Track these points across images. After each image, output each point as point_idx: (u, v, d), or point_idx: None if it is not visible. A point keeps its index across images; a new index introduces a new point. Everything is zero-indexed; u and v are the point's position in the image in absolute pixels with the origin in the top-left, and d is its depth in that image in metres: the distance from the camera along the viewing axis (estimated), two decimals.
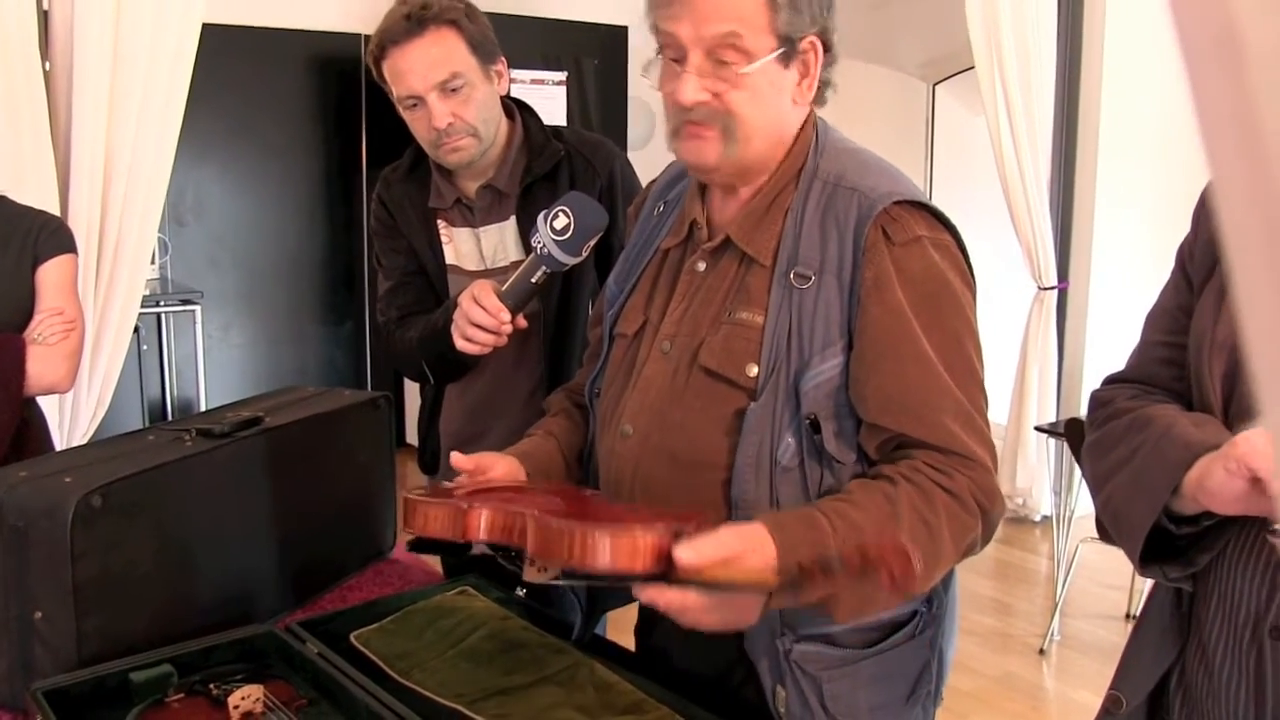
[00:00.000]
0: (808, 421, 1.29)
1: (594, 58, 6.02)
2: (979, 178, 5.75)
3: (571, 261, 1.57)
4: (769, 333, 1.31)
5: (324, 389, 2.17)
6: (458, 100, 1.90)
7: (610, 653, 1.54)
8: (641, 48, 6.31)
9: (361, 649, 1.54)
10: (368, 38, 5.90)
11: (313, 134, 5.88)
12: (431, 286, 2.04)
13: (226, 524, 1.73)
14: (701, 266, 1.41)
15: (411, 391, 4.63)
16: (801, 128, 1.40)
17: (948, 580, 1.45)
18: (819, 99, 1.40)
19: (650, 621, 1.57)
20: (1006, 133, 4.98)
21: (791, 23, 1.29)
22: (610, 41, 6.19)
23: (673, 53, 1.31)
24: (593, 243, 1.58)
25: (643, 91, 6.44)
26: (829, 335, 1.29)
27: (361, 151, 5.98)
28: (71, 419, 3.21)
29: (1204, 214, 1.23)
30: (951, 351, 1.28)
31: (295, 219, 5.90)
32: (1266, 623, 1.05)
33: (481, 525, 1.26)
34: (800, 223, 1.33)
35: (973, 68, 5.36)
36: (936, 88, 6.75)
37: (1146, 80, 5.43)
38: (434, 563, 2.21)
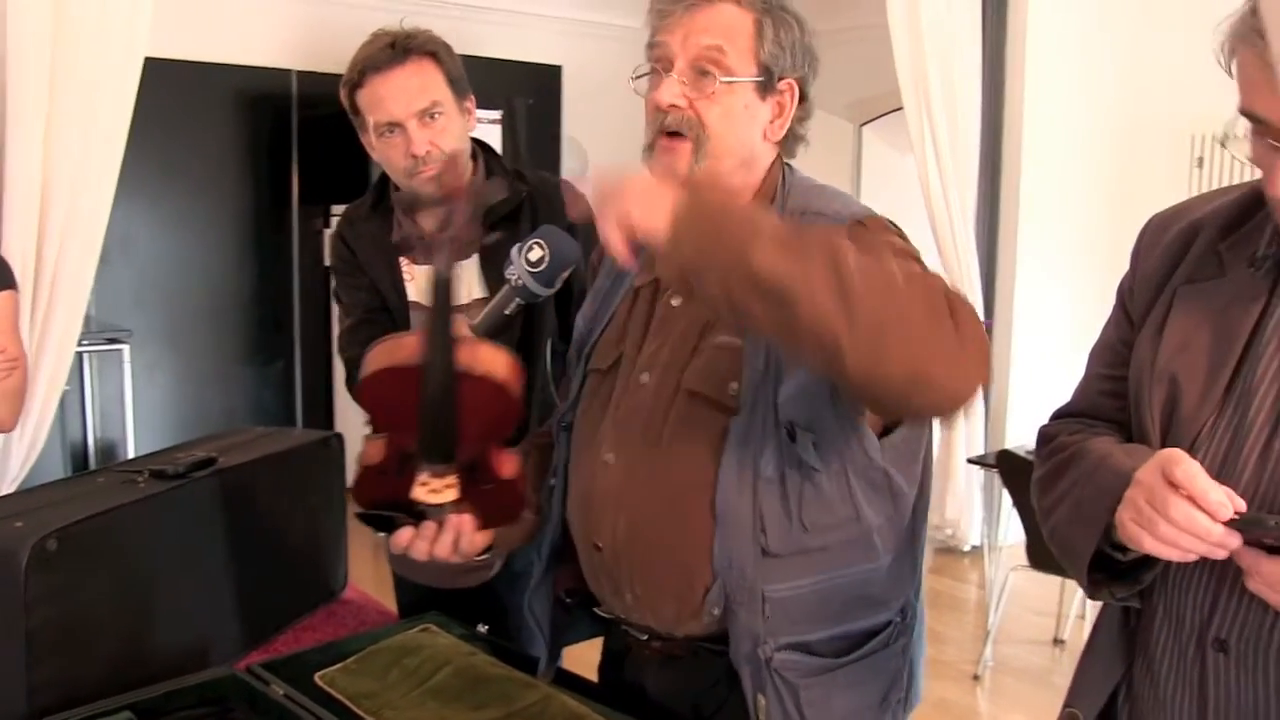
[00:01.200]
0: (785, 431, 1.34)
1: (528, 96, 6.05)
2: (905, 217, 5.83)
3: (545, 293, 1.60)
4: (748, 351, 1.36)
5: (273, 429, 2.16)
6: (436, 129, 1.94)
7: (577, 686, 1.55)
8: (574, 87, 6.41)
9: (327, 689, 1.53)
10: (299, 73, 5.91)
11: (242, 170, 5.83)
12: (394, 323, 2.05)
13: (182, 566, 1.71)
14: (677, 301, 1.46)
15: (351, 435, 4.56)
16: (770, 168, 1.47)
17: (918, 591, 1.50)
18: (790, 151, 1.50)
19: (619, 655, 1.59)
20: (934, 172, 5.12)
21: (774, 55, 1.39)
22: (544, 80, 6.24)
23: (661, 63, 1.41)
24: (565, 275, 1.62)
25: (575, 129, 6.50)
26: None
27: (292, 188, 5.93)
28: (1, 463, 3.13)
29: (1141, 252, 1.29)
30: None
31: (224, 256, 5.82)
32: (1209, 635, 1.10)
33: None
34: None
35: (898, 109, 5.51)
36: (863, 128, 6.91)
37: (1067, 119, 5.62)
38: (388, 601, 2.20)
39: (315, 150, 5.98)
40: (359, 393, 1.43)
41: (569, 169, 6.31)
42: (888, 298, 1.12)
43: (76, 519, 1.52)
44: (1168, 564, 1.13)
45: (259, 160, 5.87)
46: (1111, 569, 1.20)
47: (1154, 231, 1.28)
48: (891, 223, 1.42)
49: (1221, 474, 1.09)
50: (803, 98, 1.45)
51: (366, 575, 2.17)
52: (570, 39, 6.52)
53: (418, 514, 1.45)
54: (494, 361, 1.35)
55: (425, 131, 1.93)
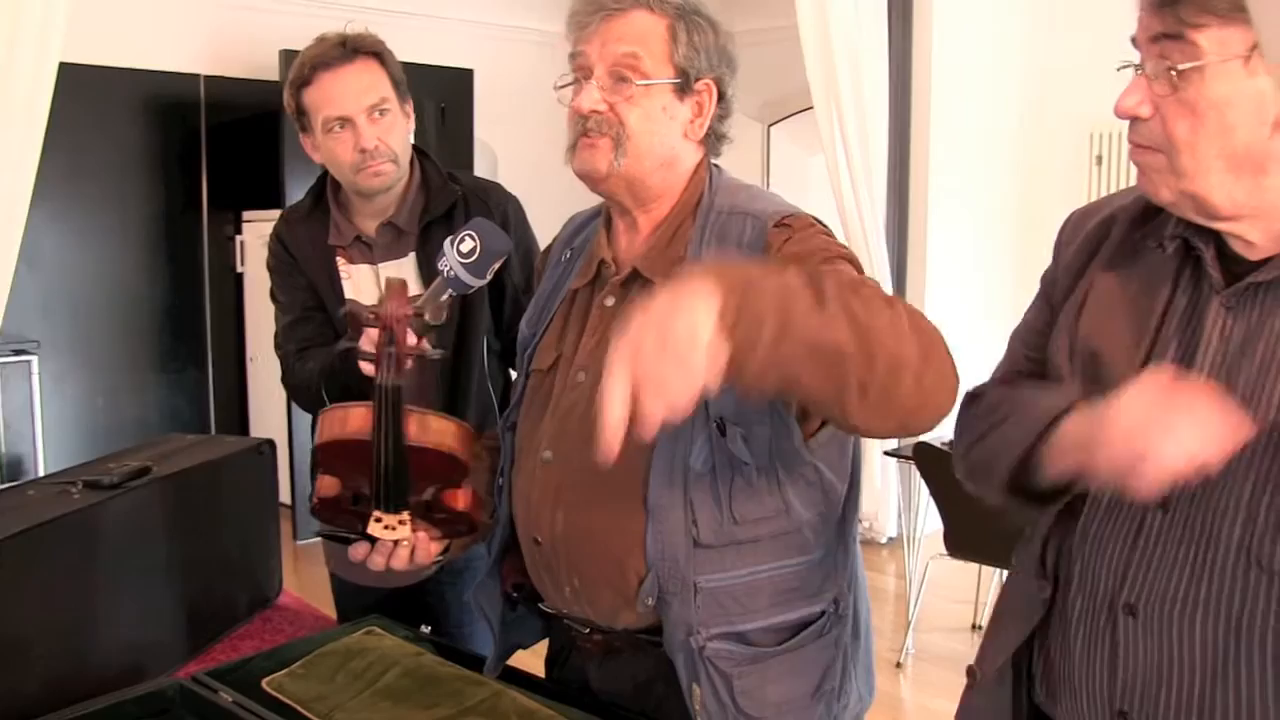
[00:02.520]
0: (715, 424, 1.38)
1: (440, 100, 6.03)
2: (816, 215, 5.99)
3: (477, 284, 1.63)
4: None
5: (203, 436, 2.15)
6: (384, 125, 1.99)
7: (525, 682, 1.57)
8: (486, 90, 6.40)
9: (276, 694, 1.53)
10: (207, 78, 5.80)
11: (151, 176, 5.71)
12: (330, 321, 2.07)
13: (119, 577, 1.69)
14: (610, 301, 1.50)
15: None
16: (697, 167, 1.52)
17: (855, 585, 1.54)
18: (714, 150, 1.54)
19: (563, 651, 1.61)
20: (844, 170, 5.21)
21: (689, 59, 1.45)
22: (456, 84, 6.22)
23: (582, 71, 1.46)
24: (496, 266, 1.65)
25: (486, 134, 6.49)
26: None
27: (202, 194, 5.83)
28: None
29: (1063, 243, 1.37)
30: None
31: (134, 264, 5.70)
32: (1120, 600, 1.15)
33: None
34: (699, 250, 1.45)
35: (806, 109, 5.61)
36: (771, 129, 7.01)
37: (972, 119, 5.78)
38: (326, 605, 2.19)
39: (225, 156, 5.88)
40: (315, 449, 1.48)
41: (480, 173, 6.31)
42: (880, 311, 1.15)
43: (11, 532, 1.50)
44: (1081, 538, 1.20)
45: (168, 166, 5.75)
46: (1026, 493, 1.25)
47: (1075, 224, 1.34)
48: (816, 219, 1.47)
49: None
50: (721, 97, 1.50)
51: (289, 581, 2.17)
52: (482, 43, 6.50)
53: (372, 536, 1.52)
54: (443, 432, 1.46)
55: (374, 127, 1.98)
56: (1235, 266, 1.13)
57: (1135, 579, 1.14)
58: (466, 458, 1.49)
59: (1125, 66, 1.10)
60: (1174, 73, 1.04)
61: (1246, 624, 1.06)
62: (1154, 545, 1.13)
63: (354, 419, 1.44)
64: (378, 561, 1.52)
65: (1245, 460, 1.05)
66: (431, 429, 1.45)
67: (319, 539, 1.90)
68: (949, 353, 1.19)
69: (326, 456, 1.46)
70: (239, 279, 6.04)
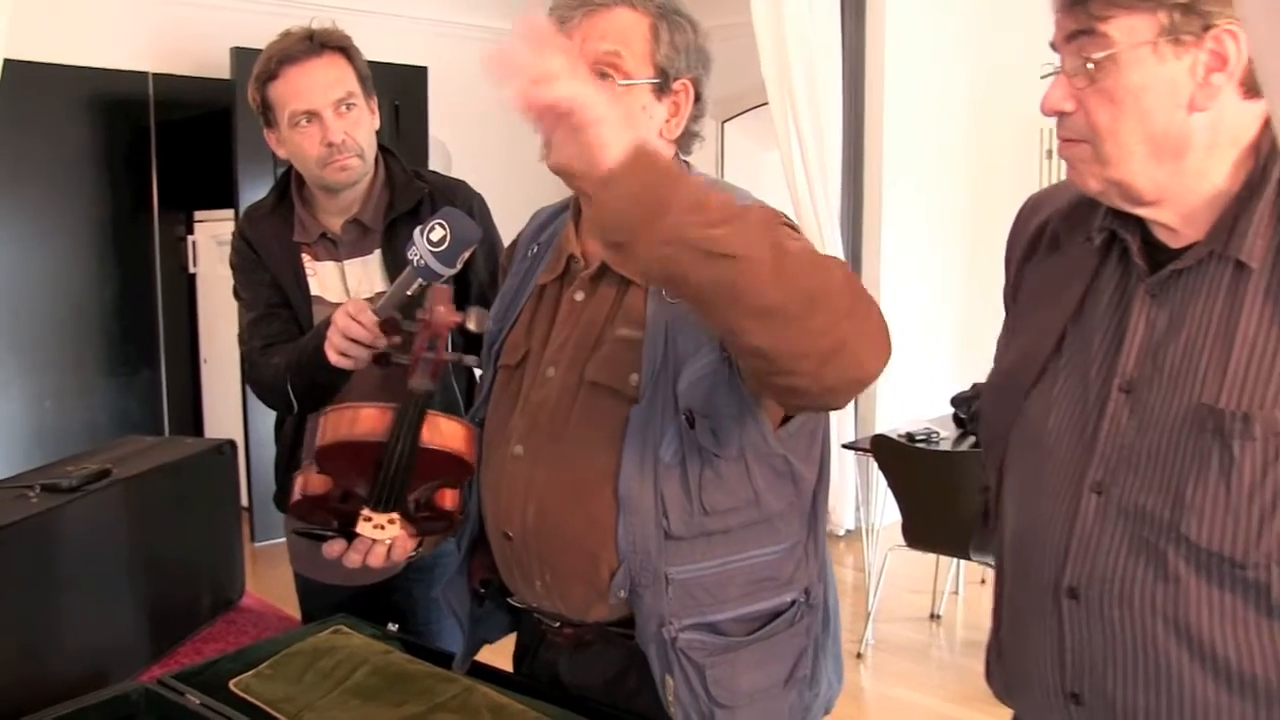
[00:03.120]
0: (684, 417, 1.39)
1: (394, 98, 5.99)
2: None
3: (447, 272, 1.63)
4: (648, 344, 1.41)
5: (162, 438, 2.13)
6: (350, 120, 1.99)
7: (495, 677, 1.57)
8: (440, 88, 6.37)
9: (244, 696, 1.51)
10: (156, 76, 5.72)
11: (100, 177, 5.62)
12: (295, 318, 2.06)
13: (81, 581, 1.67)
14: (580, 296, 1.50)
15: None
16: None
17: (824, 574, 1.55)
18: (685, 148, 1.54)
19: (531, 646, 1.62)
20: (799, 166, 5.25)
21: (670, 59, 1.45)
22: (410, 82, 6.18)
23: None
24: (466, 255, 1.66)
25: (441, 131, 6.46)
26: (699, 338, 1.40)
27: (153, 194, 5.75)
28: None
29: (1011, 247, 1.41)
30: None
31: (82, 266, 5.61)
32: (1062, 585, 1.18)
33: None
34: None
35: (760, 105, 5.64)
36: (725, 125, 7.04)
37: (925, 114, 5.84)
38: (289, 606, 2.18)
39: (176, 155, 5.81)
40: (317, 450, 1.44)
41: (435, 170, 6.26)
42: (818, 269, 1.14)
43: None
44: (1024, 526, 1.25)
45: (117, 166, 5.67)
46: None
47: (1018, 227, 1.39)
48: (783, 214, 1.48)
49: (1061, 422, 1.21)
50: (697, 97, 1.50)
51: (250, 584, 2.15)
52: (436, 40, 6.47)
53: (353, 534, 1.50)
54: (453, 435, 1.46)
55: (340, 121, 1.98)
56: (1160, 255, 1.18)
57: (1075, 563, 1.18)
58: (472, 460, 1.49)
59: (1049, 74, 1.17)
60: (1090, 65, 1.10)
61: (1181, 600, 1.10)
62: (1090, 528, 1.17)
63: (364, 420, 1.42)
64: (354, 559, 1.51)
65: (1172, 441, 1.11)
66: (442, 431, 1.45)
67: (279, 541, 1.89)
68: (883, 319, 1.18)
69: (328, 456, 1.44)
70: (191, 280, 5.96)
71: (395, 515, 1.47)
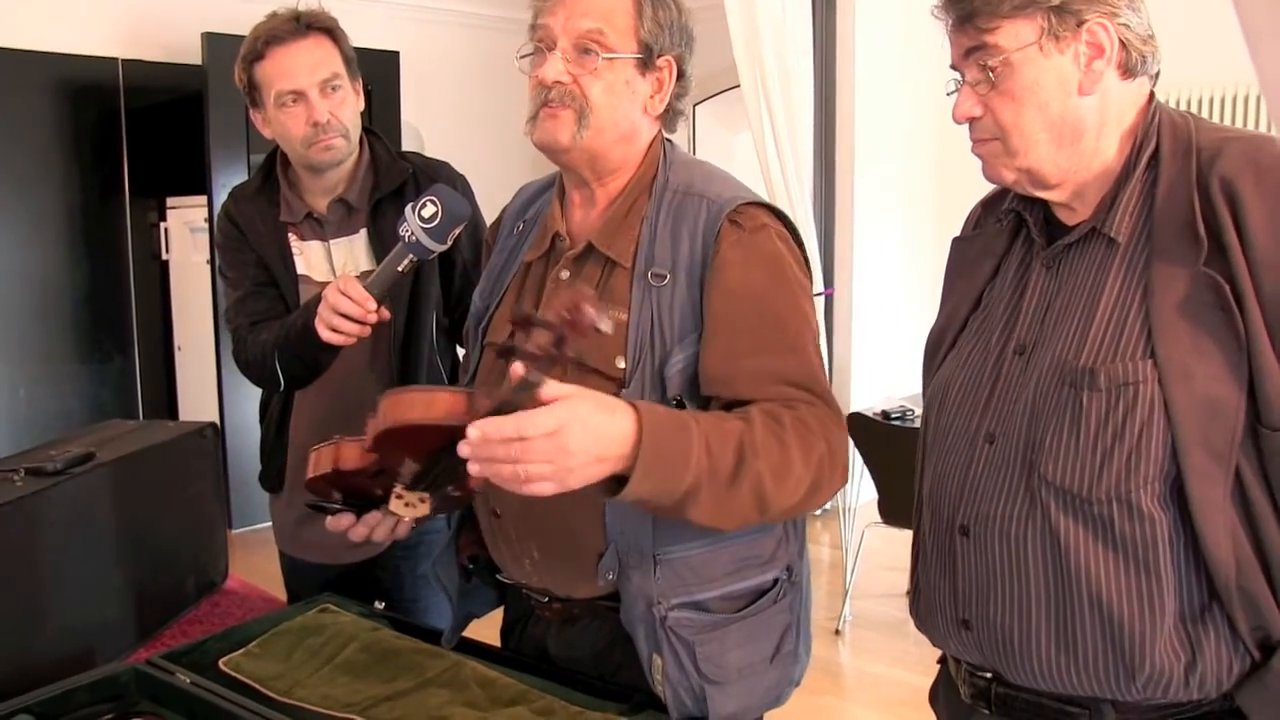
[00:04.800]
0: (674, 403, 1.40)
1: (367, 83, 5.94)
2: None
3: (439, 248, 1.64)
4: (633, 328, 1.43)
5: (144, 422, 2.13)
6: (335, 100, 2.00)
7: (484, 653, 1.59)
8: (412, 73, 6.34)
9: (233, 674, 1.53)
10: (125, 62, 5.67)
11: (68, 163, 5.55)
12: (282, 297, 2.07)
13: (66, 564, 1.68)
14: (565, 274, 1.51)
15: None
16: (653, 143, 1.54)
17: (802, 552, 1.58)
18: (670, 125, 1.56)
19: (519, 620, 1.63)
20: (771, 147, 5.26)
21: (653, 34, 1.47)
22: (382, 67, 6.14)
23: (544, 43, 1.47)
24: (456, 232, 1.66)
25: (413, 116, 6.44)
26: (685, 326, 1.42)
27: (124, 180, 5.70)
28: None
29: (949, 255, 1.54)
30: (790, 320, 1.44)
31: (53, 253, 5.55)
32: (957, 522, 1.33)
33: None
34: (654, 228, 1.47)
35: (732, 88, 5.65)
36: (697, 108, 7.04)
37: (895, 94, 5.87)
38: (275, 589, 2.19)
39: (147, 141, 5.75)
40: (381, 431, 1.38)
41: None
42: (786, 479, 1.34)
43: None
44: (933, 474, 1.40)
45: (86, 152, 5.60)
46: None
47: (965, 226, 1.53)
48: (770, 209, 1.49)
49: (966, 382, 1.37)
50: (680, 74, 1.52)
51: (230, 568, 2.16)
52: (407, 25, 6.43)
53: (366, 506, 1.51)
54: None
55: (326, 101, 1.99)
56: (1058, 233, 1.34)
57: (967, 504, 1.33)
58: None
59: (953, 92, 1.33)
60: (990, 72, 1.26)
61: (1048, 534, 1.25)
62: (980, 473, 1.32)
63: (440, 404, 1.37)
64: (360, 533, 1.52)
65: (1043, 394, 1.26)
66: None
67: (259, 527, 1.90)
68: (840, 471, 1.41)
69: (390, 438, 1.38)
70: (164, 266, 5.91)
71: (426, 495, 1.45)
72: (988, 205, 1.48)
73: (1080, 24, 1.23)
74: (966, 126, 1.32)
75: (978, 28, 1.25)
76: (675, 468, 1.24)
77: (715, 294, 1.42)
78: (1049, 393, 1.26)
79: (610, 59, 1.44)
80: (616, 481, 1.23)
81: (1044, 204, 1.35)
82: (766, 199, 1.51)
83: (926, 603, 1.43)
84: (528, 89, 1.49)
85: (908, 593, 1.47)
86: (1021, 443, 1.28)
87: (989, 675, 1.35)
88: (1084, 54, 1.24)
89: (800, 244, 1.52)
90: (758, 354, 1.40)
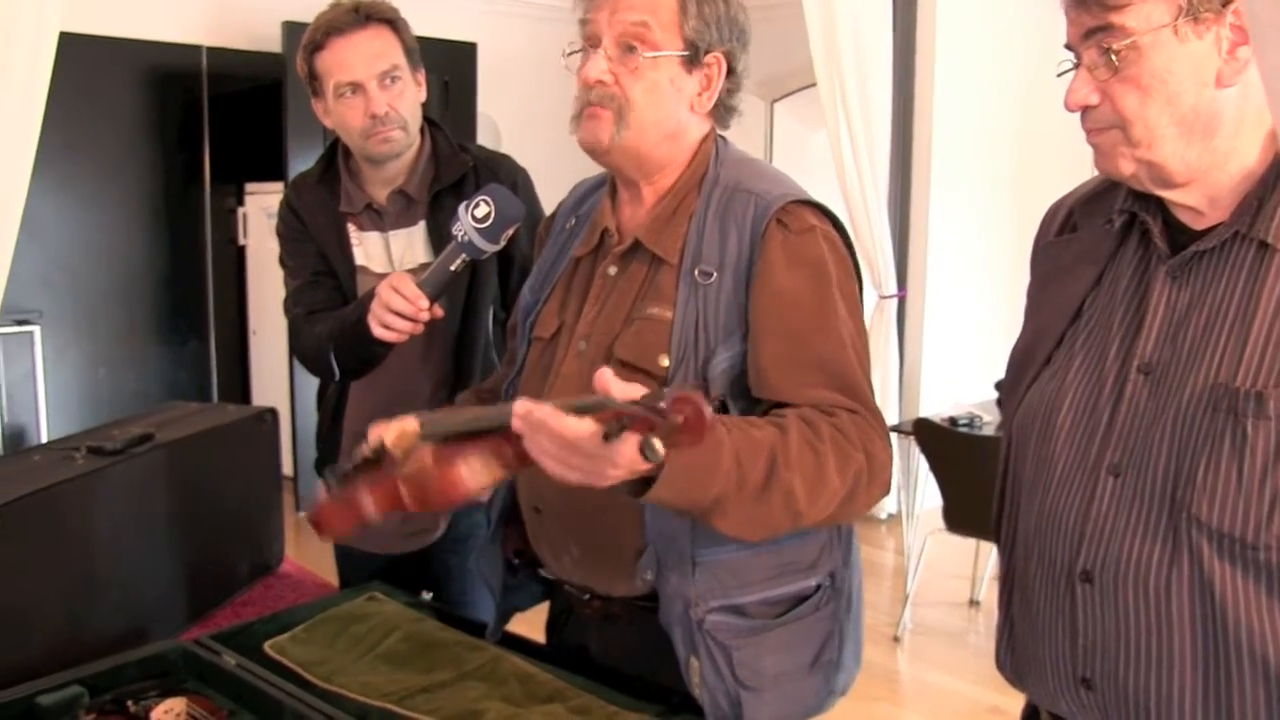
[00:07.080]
0: (717, 403, 1.39)
1: (443, 74, 6.01)
2: (818, 192, 5.95)
3: (491, 249, 1.64)
4: (678, 325, 1.41)
5: (206, 405, 2.16)
6: (394, 92, 2.00)
7: (525, 648, 1.59)
8: (489, 64, 6.39)
9: (278, 658, 1.54)
10: (209, 49, 5.78)
11: (153, 148, 5.69)
12: (340, 287, 2.09)
13: (122, 542, 1.71)
14: (613, 271, 1.50)
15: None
16: (704, 140, 1.52)
17: (849, 559, 1.55)
18: (723, 122, 1.54)
19: (563, 616, 1.63)
20: (847, 147, 5.21)
21: (699, 31, 1.44)
22: (459, 58, 6.20)
23: (590, 40, 1.46)
24: (510, 232, 1.66)
25: (489, 107, 6.48)
26: (730, 325, 1.41)
27: (204, 166, 5.82)
28: None
29: (1035, 261, 1.39)
30: (833, 325, 1.41)
31: (135, 236, 5.69)
32: (1077, 568, 1.17)
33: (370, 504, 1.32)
34: (703, 225, 1.45)
35: (809, 86, 5.60)
36: (775, 105, 6.99)
37: (975, 96, 5.76)
38: (328, 574, 2.21)
39: (227, 128, 5.87)
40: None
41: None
42: (821, 492, 1.32)
43: (15, 496, 1.52)
44: (1039, 510, 1.24)
45: (169, 138, 5.74)
46: None
47: (1042, 229, 1.37)
48: (818, 208, 1.46)
49: (1077, 405, 1.20)
50: (731, 70, 1.49)
51: (291, 552, 2.19)
52: (485, 17, 6.48)
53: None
54: None
55: (384, 94, 1.99)
56: (1180, 237, 1.17)
57: (1090, 546, 1.16)
58: None
59: (1064, 72, 1.17)
60: (1113, 55, 1.09)
61: (1194, 583, 1.09)
62: (1106, 512, 1.15)
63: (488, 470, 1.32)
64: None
65: (1187, 422, 1.10)
66: None
67: None
68: (881, 480, 1.38)
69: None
70: (241, 252, 6.04)
71: None
72: (1086, 205, 1.30)
73: (1226, 3, 1.05)
74: (1078, 115, 1.17)
75: (1103, 5, 1.09)
76: (700, 479, 1.22)
77: (758, 296, 1.40)
78: (1197, 420, 1.09)
79: (654, 57, 1.43)
80: (644, 482, 1.22)
81: (1162, 205, 1.18)
82: (819, 199, 1.48)
83: (1029, 655, 1.27)
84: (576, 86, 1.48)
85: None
86: (1161, 477, 1.11)
87: None
88: (1227, 38, 1.06)
89: (849, 245, 1.49)
90: (796, 359, 1.38)
